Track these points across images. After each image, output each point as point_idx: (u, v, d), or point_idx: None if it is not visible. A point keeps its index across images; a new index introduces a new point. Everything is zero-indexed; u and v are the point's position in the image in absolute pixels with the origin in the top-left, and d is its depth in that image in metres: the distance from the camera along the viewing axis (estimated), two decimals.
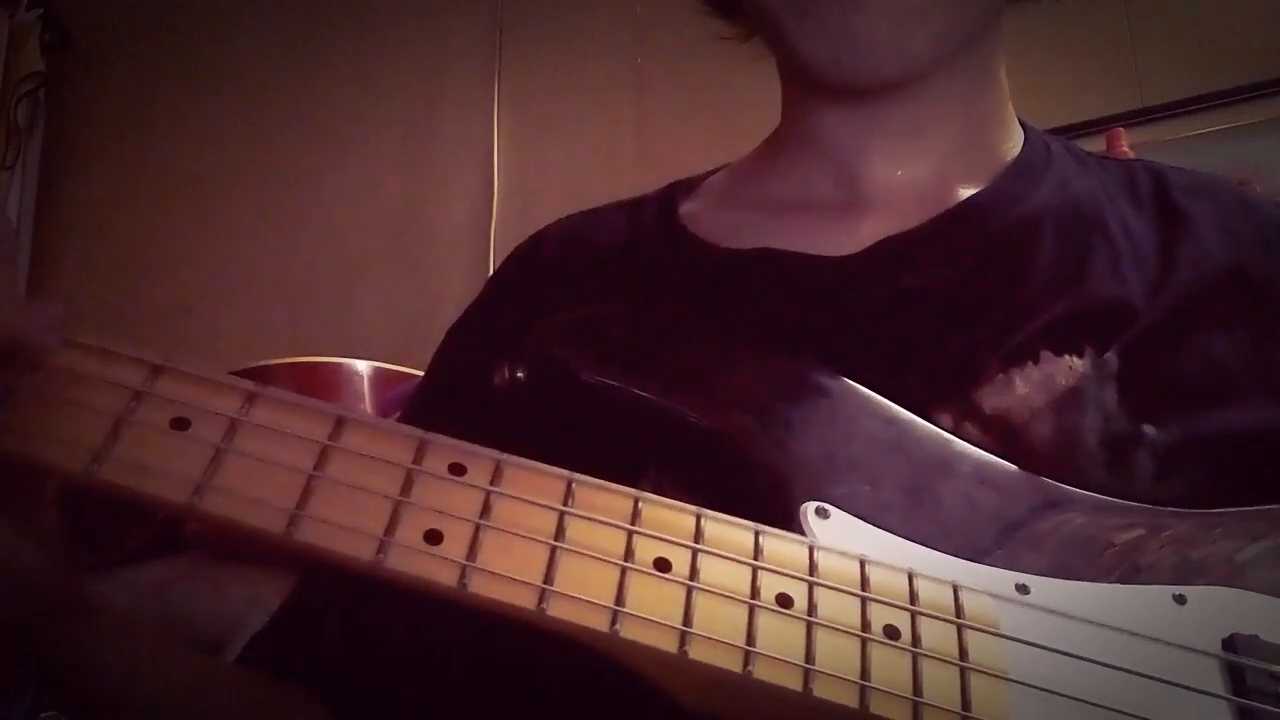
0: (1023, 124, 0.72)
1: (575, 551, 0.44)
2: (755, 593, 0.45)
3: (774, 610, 0.45)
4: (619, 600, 0.44)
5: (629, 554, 0.45)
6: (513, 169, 2.58)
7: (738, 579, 0.45)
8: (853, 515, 0.51)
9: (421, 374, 1.82)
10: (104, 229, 2.87)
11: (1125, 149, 1.84)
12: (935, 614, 0.47)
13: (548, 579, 0.44)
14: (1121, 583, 0.51)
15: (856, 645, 0.45)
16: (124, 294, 2.71)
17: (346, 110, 2.75)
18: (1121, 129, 1.93)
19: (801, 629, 0.45)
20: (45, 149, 2.90)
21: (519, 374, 0.62)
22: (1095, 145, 1.83)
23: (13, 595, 0.46)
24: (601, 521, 0.46)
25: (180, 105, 2.89)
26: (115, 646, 0.53)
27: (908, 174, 0.68)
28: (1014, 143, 0.70)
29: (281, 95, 2.82)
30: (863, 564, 0.47)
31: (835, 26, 0.61)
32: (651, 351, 0.57)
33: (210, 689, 0.60)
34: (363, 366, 1.83)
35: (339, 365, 1.83)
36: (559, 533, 0.45)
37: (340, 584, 0.60)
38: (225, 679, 0.63)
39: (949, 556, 0.50)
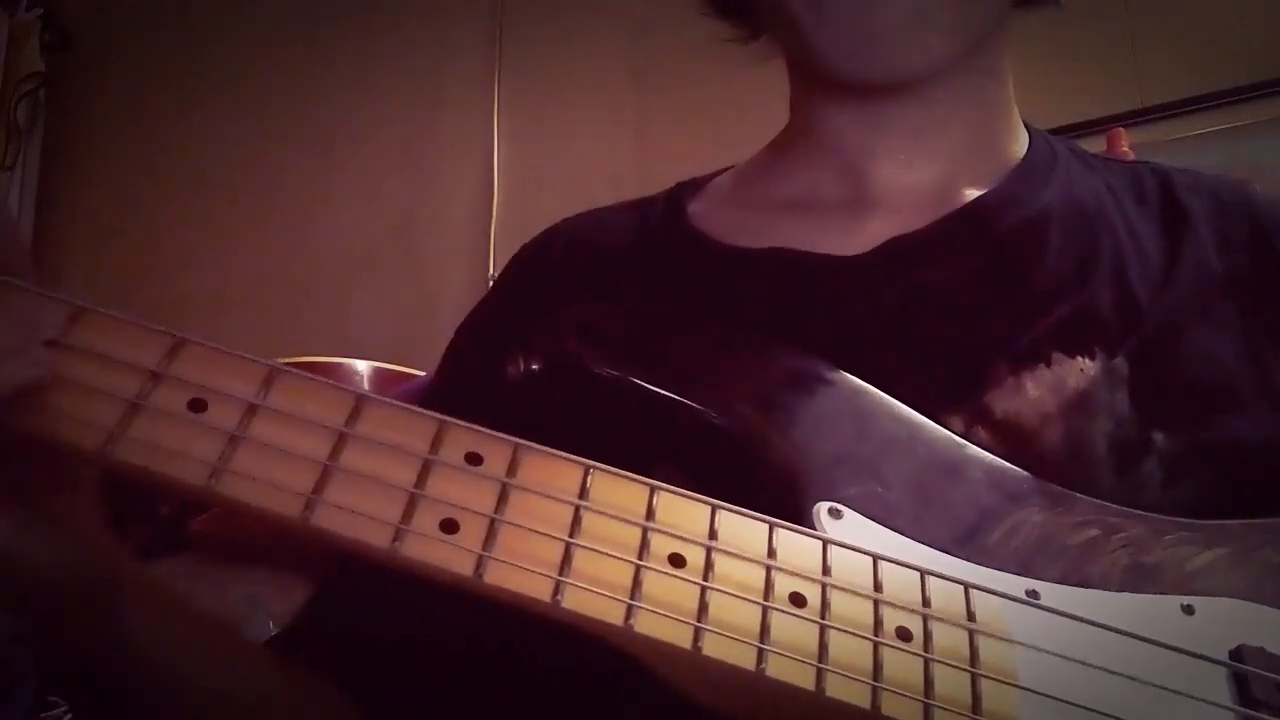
0: (1027, 126, 0.72)
1: (591, 545, 0.44)
2: (769, 592, 0.45)
3: (787, 609, 0.45)
4: (634, 594, 0.44)
5: (644, 550, 0.45)
6: (513, 169, 2.58)
7: (751, 577, 0.45)
8: (865, 517, 0.51)
9: (421, 374, 1.82)
10: (104, 229, 2.87)
11: (1125, 149, 1.85)
12: (947, 616, 0.47)
13: (563, 571, 0.43)
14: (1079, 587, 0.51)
15: (868, 646, 0.45)
16: (124, 294, 2.71)
17: (347, 110, 2.75)
18: (1121, 129, 1.93)
19: (814, 628, 0.45)
20: (45, 149, 2.91)
21: (533, 365, 0.62)
22: (1095, 145, 1.83)
23: (36, 588, 0.46)
24: (617, 514, 0.46)
25: (180, 105, 2.90)
26: (166, 627, 0.53)
27: (915, 175, 0.68)
28: (1019, 144, 0.70)
29: (282, 95, 2.83)
30: (875, 563, 0.48)
31: (853, 23, 0.61)
32: (663, 348, 0.57)
33: (253, 673, 0.60)
34: (363, 366, 1.83)
35: (339, 365, 1.83)
36: (575, 525, 0.45)
37: (366, 581, 0.61)
38: (266, 664, 0.63)
39: (960, 561, 0.50)
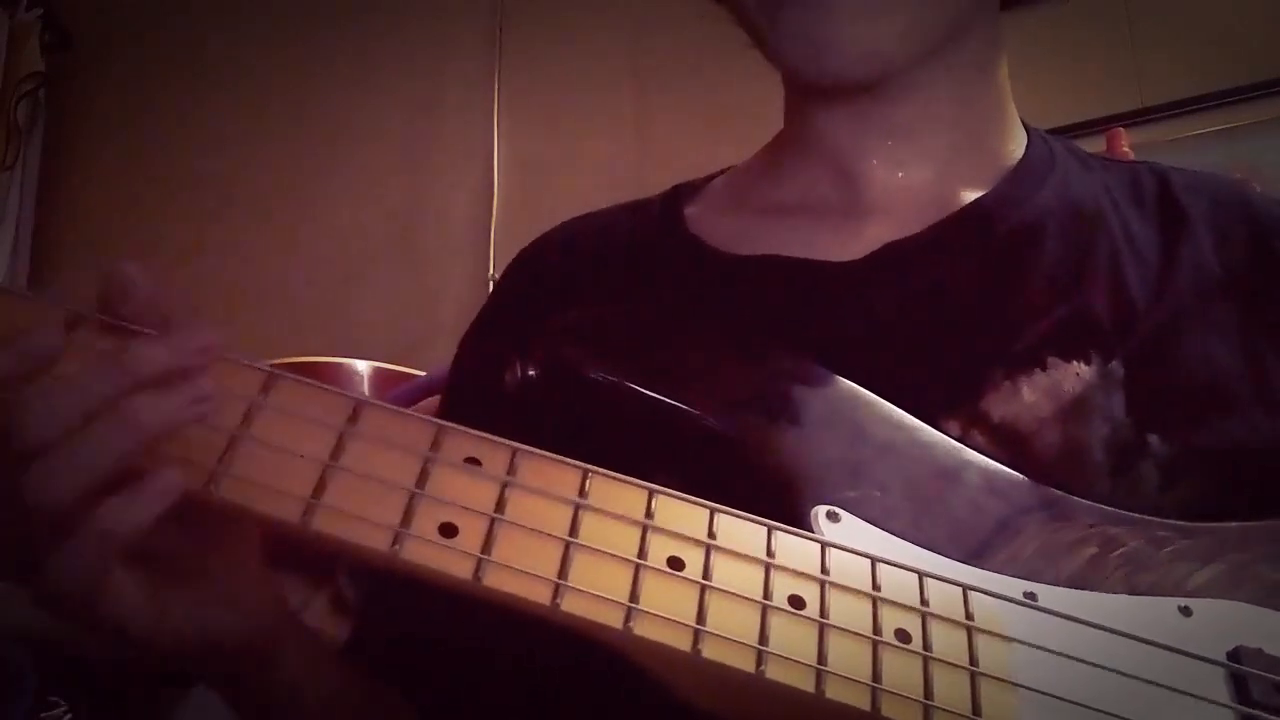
0: (1026, 126, 0.72)
1: (589, 548, 0.45)
2: (768, 594, 0.45)
3: (786, 611, 0.45)
4: (633, 598, 0.44)
5: (643, 552, 0.45)
6: (513, 169, 2.58)
7: (750, 579, 0.46)
8: (863, 520, 0.51)
9: (422, 374, 1.83)
10: (104, 229, 2.87)
11: (1125, 149, 1.84)
12: (946, 618, 0.47)
13: (562, 574, 0.44)
14: None
15: (868, 648, 0.45)
16: None
17: (347, 110, 2.75)
18: (1121, 129, 1.92)
19: (814, 630, 0.45)
20: (45, 149, 2.90)
21: (530, 372, 0.62)
22: (1095, 145, 1.83)
23: (208, 658, 0.50)
24: (616, 517, 0.46)
25: (180, 105, 2.89)
26: (310, 665, 0.57)
27: (909, 177, 0.68)
28: (1016, 145, 0.70)
29: (282, 95, 2.82)
30: (874, 565, 0.48)
31: (800, 27, 0.62)
32: (659, 352, 0.57)
33: (352, 691, 0.62)
34: (363, 366, 1.83)
35: (339, 365, 1.83)
36: (574, 528, 0.45)
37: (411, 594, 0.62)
38: (359, 680, 0.64)
39: (958, 563, 0.51)
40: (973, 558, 0.51)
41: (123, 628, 0.45)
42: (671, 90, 2.47)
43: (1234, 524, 0.55)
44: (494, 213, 2.53)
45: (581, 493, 0.46)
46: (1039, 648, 0.47)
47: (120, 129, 2.95)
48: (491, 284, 2.42)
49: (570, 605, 0.43)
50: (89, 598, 0.43)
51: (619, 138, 2.50)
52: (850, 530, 0.51)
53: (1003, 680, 0.46)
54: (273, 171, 2.77)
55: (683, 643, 0.43)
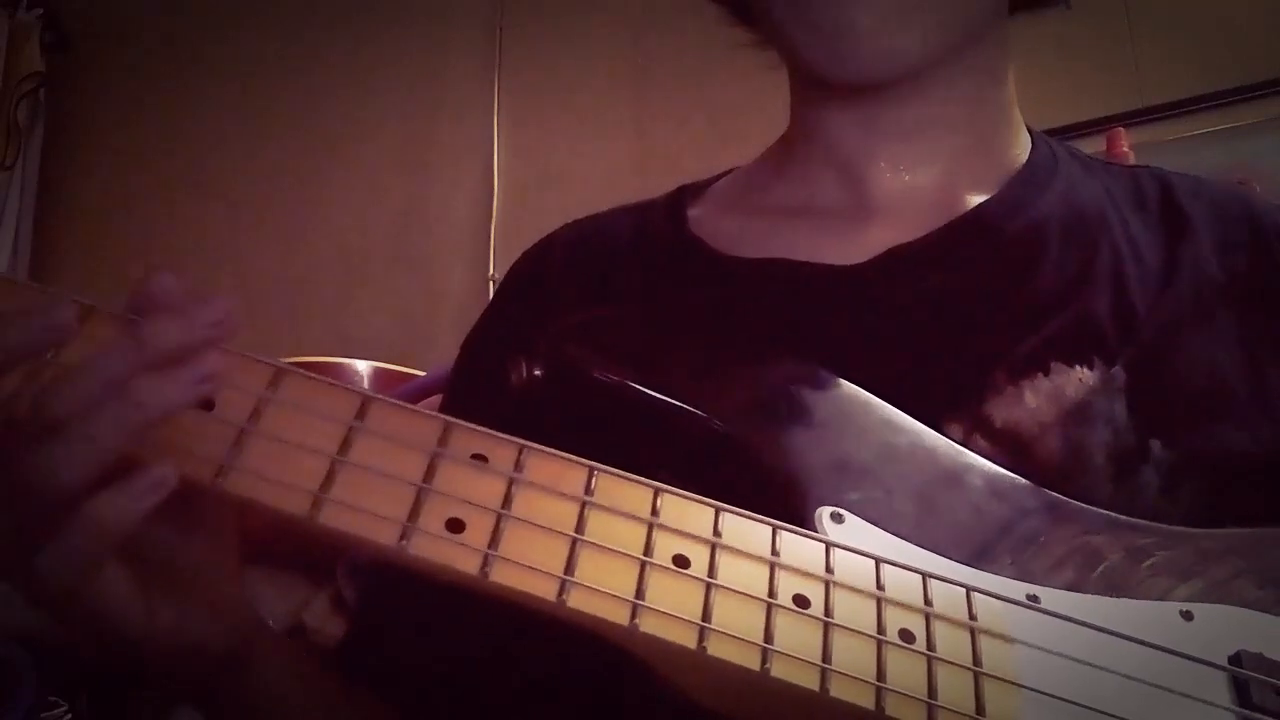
0: (1029, 130, 0.72)
1: (596, 545, 0.45)
2: (773, 592, 0.45)
3: (791, 610, 0.45)
4: (639, 595, 0.44)
5: (649, 549, 0.45)
6: (513, 169, 2.58)
7: (755, 578, 0.46)
8: (867, 521, 0.51)
9: (422, 374, 1.82)
10: (104, 229, 2.87)
11: (1125, 149, 1.84)
12: (949, 618, 0.47)
13: (568, 571, 0.44)
14: None
15: (872, 647, 0.45)
16: (124, 294, 2.71)
17: (347, 110, 2.75)
18: (1121, 129, 1.92)
19: (818, 630, 0.45)
20: (45, 149, 2.90)
21: (536, 371, 0.62)
22: (1095, 145, 1.83)
23: (185, 664, 0.50)
24: (622, 515, 0.46)
25: (180, 105, 2.89)
26: (287, 679, 0.56)
27: (915, 180, 0.68)
28: (1021, 149, 0.70)
29: (282, 95, 2.82)
30: (878, 565, 0.48)
31: (829, 24, 0.62)
32: (664, 354, 0.57)
33: (338, 705, 0.62)
34: (363, 366, 1.83)
35: (339, 365, 1.83)
36: (580, 526, 0.45)
37: (408, 596, 0.61)
38: (346, 693, 0.64)
39: (961, 565, 0.51)
40: (973, 561, 0.51)
41: (114, 627, 0.45)
42: (671, 90, 2.47)
43: (1222, 531, 0.55)
44: (494, 213, 2.53)
45: (588, 490, 0.46)
46: (1042, 649, 0.47)
47: (120, 129, 2.95)
48: (492, 284, 2.43)
49: (576, 602, 0.43)
50: (81, 594, 0.43)
51: (619, 138, 2.50)
52: (854, 531, 0.51)
53: (1006, 681, 0.46)
54: (273, 171, 2.77)
55: (688, 640, 0.43)
